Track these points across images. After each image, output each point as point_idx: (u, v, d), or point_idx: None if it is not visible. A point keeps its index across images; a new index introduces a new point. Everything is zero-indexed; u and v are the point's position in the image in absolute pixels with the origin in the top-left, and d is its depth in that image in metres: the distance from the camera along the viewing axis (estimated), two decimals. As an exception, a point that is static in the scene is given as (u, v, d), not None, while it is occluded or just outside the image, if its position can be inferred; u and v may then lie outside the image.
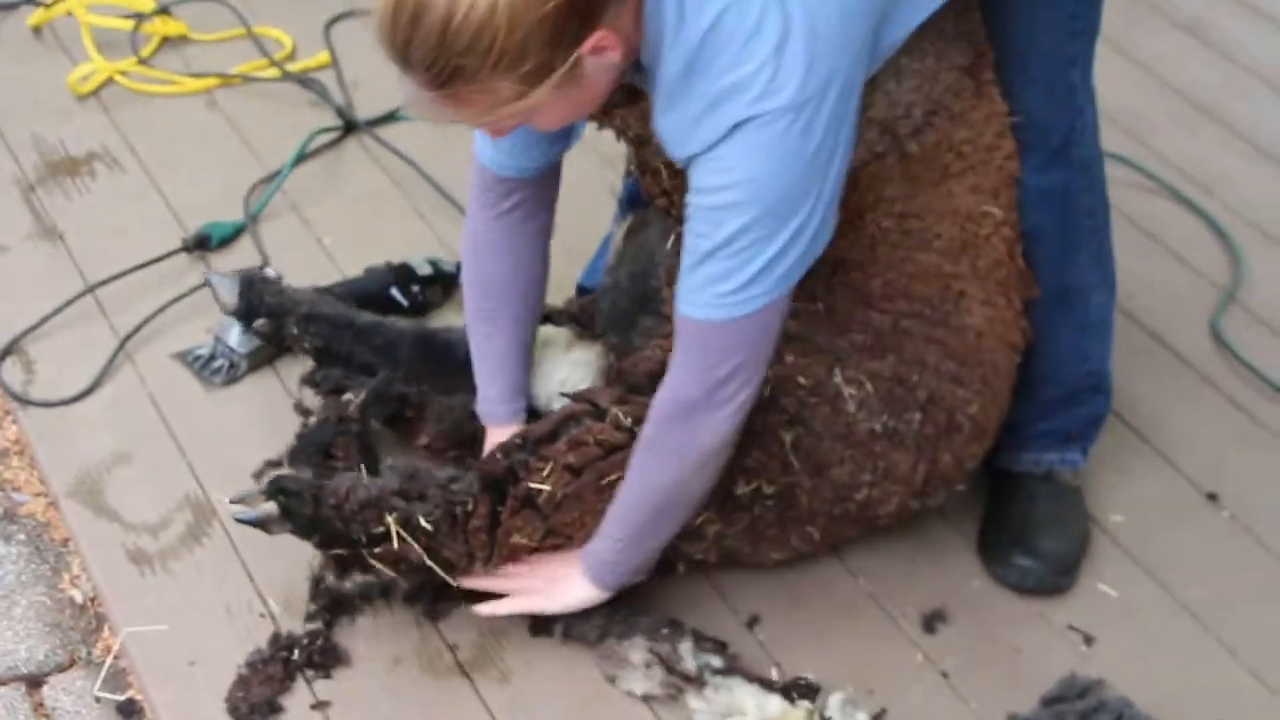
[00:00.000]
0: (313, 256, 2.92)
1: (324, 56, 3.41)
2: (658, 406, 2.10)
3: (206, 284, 2.63)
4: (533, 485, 2.21)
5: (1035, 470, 2.48)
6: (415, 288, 2.77)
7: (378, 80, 3.32)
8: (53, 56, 3.38)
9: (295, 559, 2.35)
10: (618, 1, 1.84)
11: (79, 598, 2.39)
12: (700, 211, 1.95)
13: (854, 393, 2.21)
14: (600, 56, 1.85)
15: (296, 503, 2.19)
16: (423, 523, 2.19)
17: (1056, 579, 2.40)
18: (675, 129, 1.94)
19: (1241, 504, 2.58)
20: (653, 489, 2.14)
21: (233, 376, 2.66)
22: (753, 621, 2.34)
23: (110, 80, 3.32)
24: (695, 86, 1.88)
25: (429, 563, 2.20)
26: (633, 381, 2.27)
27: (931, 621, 2.35)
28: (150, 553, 2.39)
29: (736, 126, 1.87)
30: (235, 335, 2.65)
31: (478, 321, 2.38)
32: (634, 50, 1.91)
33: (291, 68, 3.39)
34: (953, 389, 2.25)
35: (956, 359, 2.26)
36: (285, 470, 2.33)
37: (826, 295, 2.25)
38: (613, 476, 2.19)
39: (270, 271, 2.75)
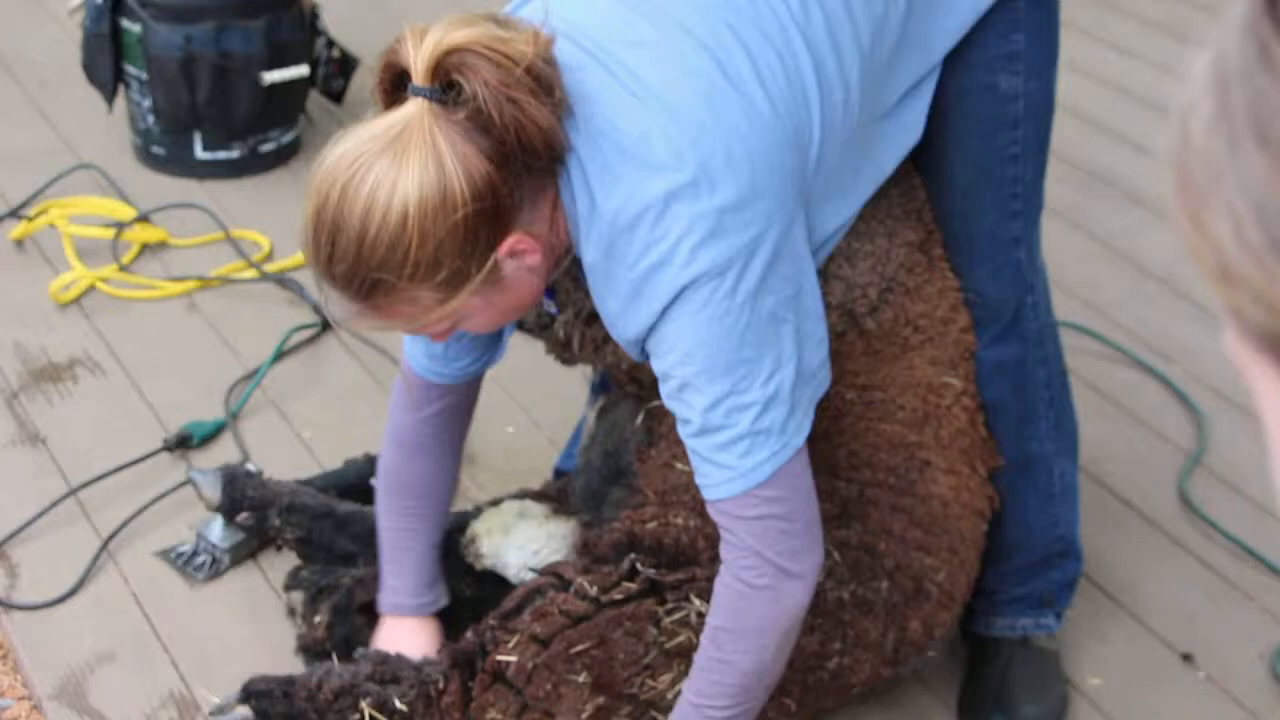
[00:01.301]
0: (293, 451, 2.96)
1: (301, 256, 3.48)
2: (725, 594, 2.05)
3: (189, 480, 2.67)
4: (500, 658, 2.23)
5: (1011, 635, 2.50)
6: (394, 478, 2.81)
7: (353, 278, 3.42)
8: (34, 267, 3.46)
9: (279, 751, 2.37)
10: (530, 206, 1.87)
11: (64, 798, 2.40)
12: (673, 397, 1.96)
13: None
14: (518, 259, 1.88)
15: (268, 703, 2.21)
16: (398, 705, 2.20)
17: (1037, 743, 2.42)
18: (612, 314, 1.96)
19: (1216, 663, 2.60)
20: (734, 673, 2.07)
21: (216, 572, 2.68)
22: (736, 798, 2.34)
23: (92, 287, 3.38)
24: (616, 271, 1.90)
25: None
26: (598, 553, 2.30)
27: (914, 791, 2.37)
28: (135, 751, 2.39)
29: (669, 305, 1.88)
30: (217, 531, 2.68)
31: (399, 518, 2.41)
32: (557, 249, 1.95)
33: (269, 268, 3.46)
34: (919, 556, 2.29)
35: (922, 527, 2.29)
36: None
37: None
38: (582, 646, 2.20)
39: (251, 467, 2.79)
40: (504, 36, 1.80)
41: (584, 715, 2.23)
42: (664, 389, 1.97)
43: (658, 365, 1.96)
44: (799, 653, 2.25)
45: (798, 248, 1.95)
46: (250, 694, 2.22)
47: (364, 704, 2.20)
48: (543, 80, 1.81)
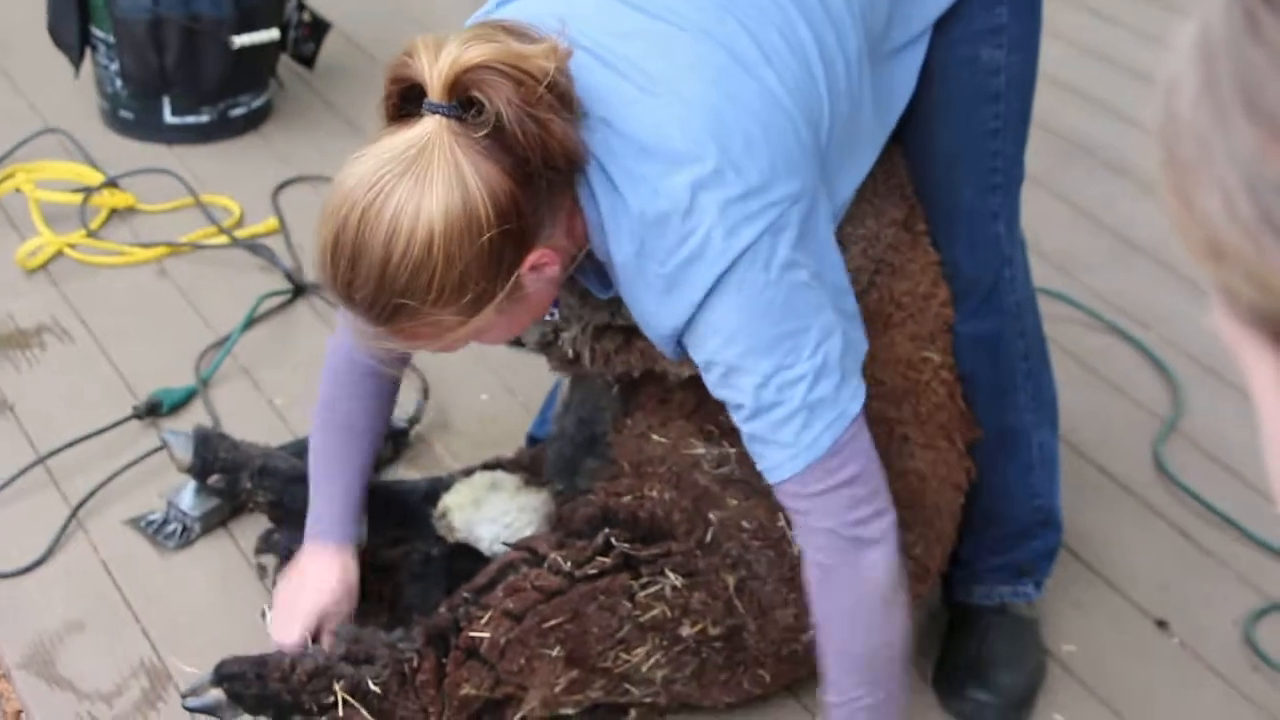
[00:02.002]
0: (265, 418, 2.94)
1: (272, 222, 3.46)
2: (812, 583, 2.02)
3: (161, 441, 2.64)
4: (473, 634, 2.21)
5: (989, 603, 2.49)
6: (366, 446, 2.79)
7: (325, 244, 3.39)
8: (1, 232, 3.42)
9: (251, 720, 2.36)
10: (551, 220, 1.84)
11: (33, 768, 2.38)
12: (719, 390, 1.94)
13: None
14: (539, 273, 1.85)
15: (241, 685, 2.19)
16: (371, 686, 2.18)
17: (1012, 712, 2.41)
18: (647, 312, 1.93)
19: (1191, 630, 2.60)
20: (852, 658, 2.04)
21: (186, 540, 2.66)
22: (712, 766, 2.34)
23: (60, 253, 3.35)
24: (648, 268, 1.87)
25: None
26: (571, 527, 2.28)
27: (890, 759, 2.36)
28: (105, 720, 2.38)
29: (707, 295, 1.86)
30: (188, 498, 2.66)
31: (327, 451, 2.36)
32: (573, 255, 1.92)
33: (240, 234, 3.43)
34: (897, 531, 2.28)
35: (900, 502, 2.27)
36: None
37: None
38: (555, 620, 2.19)
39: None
40: (523, 53, 1.75)
41: (557, 689, 2.22)
42: (710, 378, 1.94)
43: (700, 355, 1.93)
44: (774, 625, 2.24)
45: (821, 224, 1.94)
46: (223, 676, 2.19)
47: (337, 686, 2.18)
48: (563, 95, 1.77)
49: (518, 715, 2.24)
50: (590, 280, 2.02)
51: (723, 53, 1.87)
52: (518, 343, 2.27)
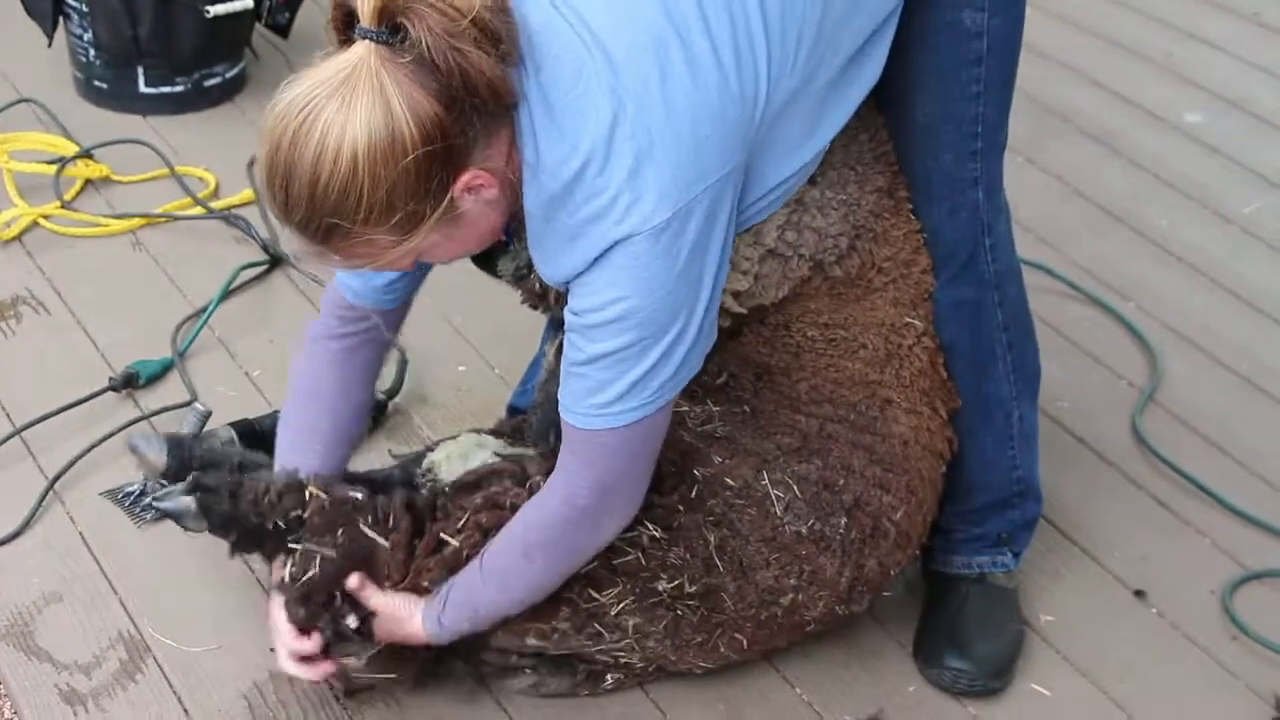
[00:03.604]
0: (242, 390, 2.92)
1: (248, 193, 3.44)
2: (548, 511, 2.13)
3: (131, 449, 2.57)
4: (443, 536, 2.23)
5: (967, 573, 2.50)
6: (344, 417, 2.78)
7: (302, 214, 3.38)
8: (-24, 203, 3.40)
9: (231, 693, 2.35)
10: (484, 144, 1.88)
11: (11, 741, 2.37)
12: (576, 328, 2.00)
13: (781, 495, 2.23)
14: (476, 194, 1.91)
15: (214, 499, 2.23)
16: (352, 492, 2.24)
17: (989, 681, 2.42)
18: (546, 259, 2.00)
19: (1168, 600, 2.61)
20: (520, 585, 2.18)
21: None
22: (692, 736, 2.34)
23: (34, 224, 3.33)
24: (557, 218, 1.93)
25: (363, 528, 2.21)
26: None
27: (870, 728, 2.37)
28: (83, 692, 2.36)
29: (603, 254, 1.92)
30: (165, 471, 2.64)
31: (297, 431, 2.36)
32: (515, 184, 1.95)
33: (216, 205, 3.41)
34: (879, 495, 2.28)
35: (882, 465, 2.29)
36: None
37: (753, 399, 2.28)
38: None
39: (200, 406, 2.76)
40: None
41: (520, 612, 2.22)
42: (573, 318, 1.99)
43: (575, 303, 1.99)
44: (754, 587, 2.24)
45: (727, 213, 1.98)
46: (199, 486, 2.25)
47: (311, 486, 2.24)
48: (489, 31, 1.82)
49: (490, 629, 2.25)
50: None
51: (665, 20, 1.90)
52: (493, 272, 2.28)
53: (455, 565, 2.21)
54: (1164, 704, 2.43)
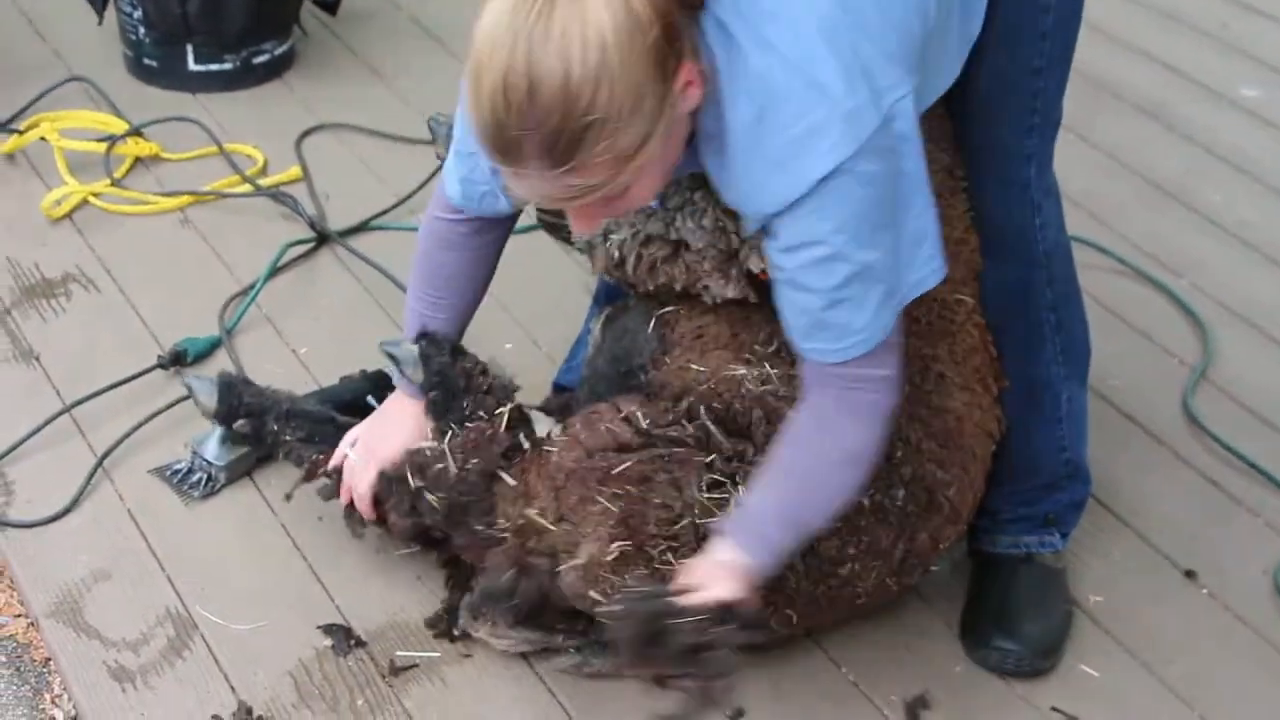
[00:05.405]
0: (289, 368, 2.93)
1: (295, 170, 3.45)
2: (856, 438, 2.08)
3: (185, 387, 2.64)
4: (547, 448, 2.26)
5: (1015, 552, 2.48)
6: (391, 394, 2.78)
7: (349, 192, 3.40)
8: (26, 181, 3.41)
9: (277, 670, 2.36)
10: (688, 29, 1.83)
11: (61, 717, 2.38)
12: (803, 271, 1.95)
13: None
14: (686, 95, 1.85)
15: (436, 350, 2.37)
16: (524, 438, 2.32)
17: (1038, 661, 2.40)
18: (752, 183, 1.93)
19: (1219, 580, 2.58)
20: (827, 493, 2.11)
21: (211, 490, 2.66)
22: (738, 715, 2.33)
23: (84, 202, 3.34)
24: (765, 137, 1.88)
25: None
26: (661, 395, 2.29)
27: (915, 709, 2.35)
28: (132, 669, 2.38)
29: (824, 178, 1.86)
30: (212, 448, 2.66)
31: (420, 304, 2.40)
32: (695, 113, 1.90)
33: (264, 183, 3.42)
34: (933, 470, 2.27)
35: (937, 440, 2.28)
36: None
37: None
38: (620, 470, 2.19)
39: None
40: None
41: (609, 555, 2.19)
42: (799, 258, 1.94)
43: (799, 235, 1.93)
44: (815, 556, 2.23)
45: (917, 125, 1.95)
46: (426, 336, 2.39)
47: (509, 406, 2.34)
48: None
49: (569, 564, 2.23)
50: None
51: None
52: (566, 239, 2.27)
53: (560, 480, 2.23)
54: (1215, 685, 2.41)
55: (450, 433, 2.33)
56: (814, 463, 2.08)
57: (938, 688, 2.38)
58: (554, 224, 2.39)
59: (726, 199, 2.02)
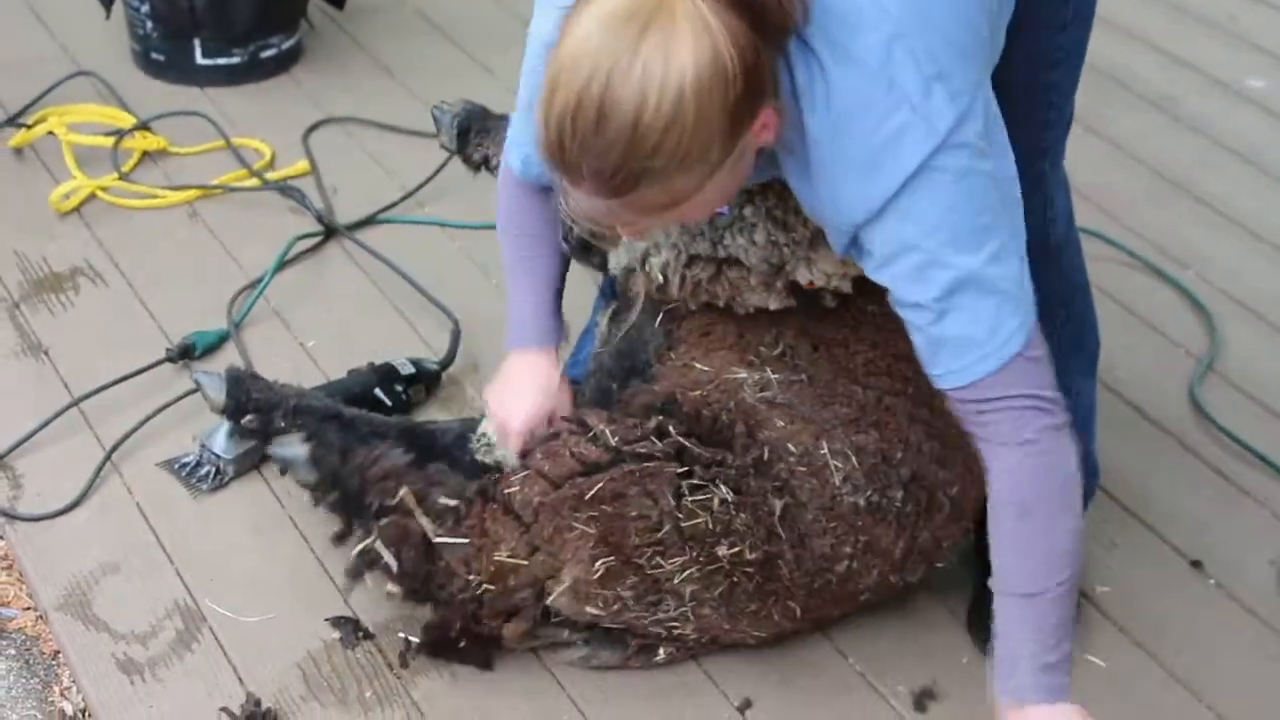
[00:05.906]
0: (297, 361, 2.94)
1: (303, 164, 3.45)
2: (1017, 468, 1.96)
3: (194, 381, 2.64)
4: (507, 489, 2.24)
5: (1022, 544, 2.47)
6: (399, 387, 2.79)
7: (356, 185, 3.40)
8: (34, 175, 3.42)
9: (286, 662, 2.37)
10: (770, 67, 1.77)
11: (69, 710, 2.39)
12: (904, 284, 1.88)
13: (840, 465, 2.23)
14: (759, 136, 1.81)
15: (326, 451, 2.34)
16: (443, 501, 2.26)
17: (1045, 652, 2.40)
18: (838, 194, 1.88)
19: (1226, 570, 2.59)
20: (1058, 540, 1.98)
21: (219, 483, 2.67)
22: (745, 706, 2.34)
23: (92, 196, 3.35)
24: (847, 146, 1.83)
25: (435, 536, 2.24)
26: (629, 410, 2.29)
27: (922, 700, 2.35)
28: (140, 662, 2.38)
29: (911, 177, 1.82)
30: (220, 441, 2.66)
31: (516, 261, 2.34)
32: (779, 125, 1.85)
33: (271, 176, 3.42)
34: (935, 470, 2.27)
35: (940, 440, 2.28)
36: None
37: (810, 368, 2.28)
38: (594, 491, 2.18)
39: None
40: None
41: (594, 574, 2.21)
42: (896, 270, 1.87)
43: (891, 244, 1.86)
44: (810, 554, 2.24)
45: (995, 115, 1.90)
46: (316, 437, 2.39)
47: (404, 491, 2.29)
48: None
49: (556, 590, 2.23)
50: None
51: None
52: (603, 267, 2.24)
53: (528, 520, 2.22)
54: (1221, 675, 2.42)
55: (373, 535, 2.30)
56: (1036, 549, 1.97)
57: (945, 678, 2.39)
58: (589, 244, 2.36)
59: (810, 212, 1.97)
